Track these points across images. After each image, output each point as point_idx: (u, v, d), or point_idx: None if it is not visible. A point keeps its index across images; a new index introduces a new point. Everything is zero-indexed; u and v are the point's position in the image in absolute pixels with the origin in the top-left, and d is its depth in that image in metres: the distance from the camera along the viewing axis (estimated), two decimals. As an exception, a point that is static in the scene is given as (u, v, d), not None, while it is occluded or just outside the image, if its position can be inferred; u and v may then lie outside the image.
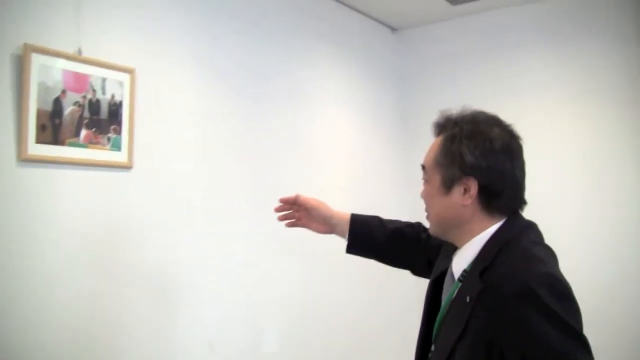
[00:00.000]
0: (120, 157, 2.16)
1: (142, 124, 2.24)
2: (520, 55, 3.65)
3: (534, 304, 1.05)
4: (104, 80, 2.11)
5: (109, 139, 2.12)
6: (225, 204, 2.60)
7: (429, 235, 1.56)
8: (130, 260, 2.17)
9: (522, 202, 1.27)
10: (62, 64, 1.97)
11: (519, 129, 1.30)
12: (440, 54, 3.92)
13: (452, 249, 1.32)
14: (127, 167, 2.18)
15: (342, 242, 1.71)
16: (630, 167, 3.28)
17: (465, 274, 1.22)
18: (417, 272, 1.68)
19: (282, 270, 2.87)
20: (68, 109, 1.99)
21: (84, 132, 2.04)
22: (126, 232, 2.17)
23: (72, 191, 2.00)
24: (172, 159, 2.38)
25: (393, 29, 4.02)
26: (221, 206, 2.58)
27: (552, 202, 3.32)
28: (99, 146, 2.09)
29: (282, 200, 1.72)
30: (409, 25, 3.97)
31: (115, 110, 2.14)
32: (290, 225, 1.74)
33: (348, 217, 1.67)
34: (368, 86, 3.71)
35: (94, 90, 2.08)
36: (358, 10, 3.62)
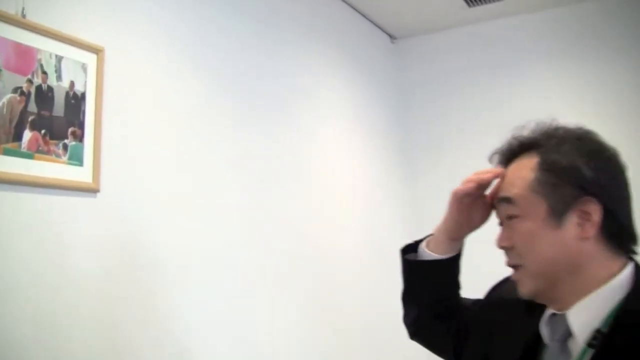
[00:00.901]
0: (81, 174, 1.46)
1: (114, 126, 1.55)
2: (536, 70, 3.19)
3: None
4: (59, 59, 1.42)
5: (65, 146, 1.42)
6: (225, 238, 1.93)
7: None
8: (106, 325, 1.45)
9: (637, 239, 0.97)
10: (-4, 27, 1.28)
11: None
12: (444, 67, 3.40)
13: (533, 308, 0.99)
14: (91, 190, 1.48)
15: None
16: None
17: (600, 335, 0.89)
18: (427, 336, 1.23)
19: (287, 324, 2.19)
20: (5, 98, 1.29)
21: (28, 135, 1.33)
22: (87, 284, 1.45)
23: (8, 224, 1.28)
24: (154, 179, 1.69)
25: (392, 38, 3.48)
26: (219, 243, 1.90)
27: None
28: (51, 157, 1.38)
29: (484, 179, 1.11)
30: (411, 33, 3.44)
31: (75, 104, 1.45)
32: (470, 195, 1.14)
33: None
34: (367, 99, 3.12)
35: (44, 73, 1.39)
36: (360, 12, 3.07)
